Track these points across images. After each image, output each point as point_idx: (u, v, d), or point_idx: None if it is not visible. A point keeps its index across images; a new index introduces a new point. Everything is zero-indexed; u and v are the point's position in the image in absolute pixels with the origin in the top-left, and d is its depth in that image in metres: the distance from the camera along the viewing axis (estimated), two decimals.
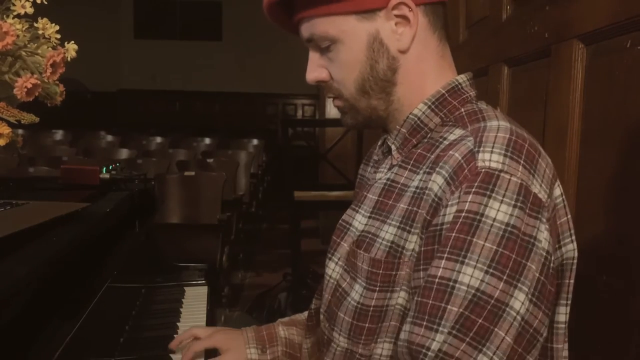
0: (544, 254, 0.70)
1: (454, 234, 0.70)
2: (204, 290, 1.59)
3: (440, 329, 0.68)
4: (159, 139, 6.80)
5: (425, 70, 0.84)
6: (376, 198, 0.85)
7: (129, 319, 1.32)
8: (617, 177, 1.08)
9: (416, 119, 0.84)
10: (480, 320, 0.67)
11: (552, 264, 0.71)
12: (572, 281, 0.80)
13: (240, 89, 9.73)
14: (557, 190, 0.76)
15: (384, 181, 0.85)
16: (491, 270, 0.67)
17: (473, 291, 0.67)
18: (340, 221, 0.91)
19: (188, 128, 8.35)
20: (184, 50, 9.90)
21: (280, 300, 3.29)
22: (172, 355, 1.17)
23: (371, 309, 0.79)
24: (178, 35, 10.08)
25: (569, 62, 1.23)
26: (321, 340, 0.91)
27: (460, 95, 0.84)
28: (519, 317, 0.67)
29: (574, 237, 0.79)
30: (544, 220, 0.71)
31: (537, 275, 0.69)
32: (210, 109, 9.90)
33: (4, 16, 0.98)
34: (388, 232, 0.80)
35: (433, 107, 0.84)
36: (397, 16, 0.81)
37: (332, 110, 5.53)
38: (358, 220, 0.87)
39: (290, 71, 9.51)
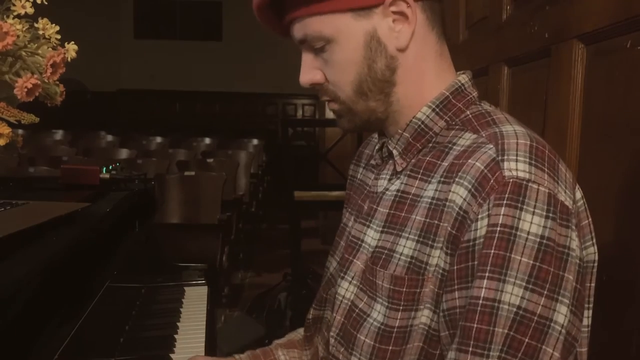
0: (577, 261, 0.69)
1: (492, 251, 0.67)
2: (204, 290, 1.59)
3: (489, 353, 0.65)
4: (159, 139, 6.81)
5: (424, 69, 0.81)
6: (387, 211, 0.81)
7: (129, 319, 1.32)
8: (617, 177, 1.08)
9: (420, 122, 0.81)
10: (526, 340, 0.65)
11: (582, 270, 0.70)
12: (593, 284, 0.79)
13: (240, 89, 9.73)
14: (578, 194, 0.76)
15: (394, 192, 0.82)
16: (531, 286, 0.66)
17: (515, 309, 0.65)
18: (350, 237, 0.88)
19: (188, 128, 8.35)
20: (184, 50, 9.90)
21: (280, 300, 3.29)
22: (172, 356, 1.17)
23: (395, 330, 0.75)
24: (178, 35, 10.08)
25: (569, 62, 1.23)
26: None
27: (464, 97, 0.82)
28: (563, 331, 0.66)
29: (594, 240, 0.78)
30: (573, 227, 0.70)
31: (574, 284, 0.68)
32: (210, 109, 9.90)
33: (4, 16, 0.99)
34: (406, 247, 0.77)
35: (437, 110, 0.81)
36: (394, 13, 0.77)
37: None
38: (370, 235, 0.83)
39: (290, 71, 9.52)
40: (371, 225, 0.84)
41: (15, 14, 0.99)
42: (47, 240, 0.98)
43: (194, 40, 10.04)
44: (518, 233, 0.67)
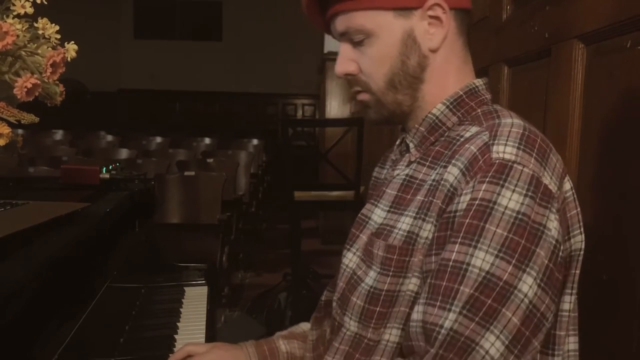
0: (553, 242, 0.73)
1: (467, 220, 0.73)
2: (204, 290, 1.59)
3: (453, 308, 0.71)
4: (159, 139, 6.79)
5: (449, 72, 0.89)
6: (395, 193, 0.89)
7: (129, 319, 1.32)
8: (617, 177, 1.08)
9: (434, 118, 0.88)
10: (489, 301, 0.70)
11: (561, 253, 0.75)
12: (578, 271, 0.83)
13: (240, 89, 9.73)
14: (567, 185, 0.80)
15: (403, 177, 0.89)
16: (501, 255, 0.71)
17: (484, 274, 0.71)
18: (359, 214, 0.95)
19: (188, 128, 8.35)
20: (183, 50, 9.90)
21: (280, 300, 3.29)
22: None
23: (383, 292, 0.82)
24: (178, 35, 10.09)
25: (569, 62, 1.23)
26: (332, 327, 0.93)
27: (477, 97, 0.89)
28: (526, 300, 0.71)
29: (582, 229, 0.82)
30: (554, 210, 0.74)
31: (546, 262, 0.72)
32: (210, 109, 9.90)
33: (4, 16, 0.98)
34: (405, 223, 0.84)
35: (451, 107, 0.88)
36: (430, 17, 0.85)
37: (332, 111, 5.51)
38: (377, 214, 0.90)
39: (290, 71, 9.54)
40: (379, 205, 0.91)
41: (15, 13, 0.99)
42: (47, 240, 0.98)
43: (194, 40, 10.05)
44: (496, 207, 0.73)
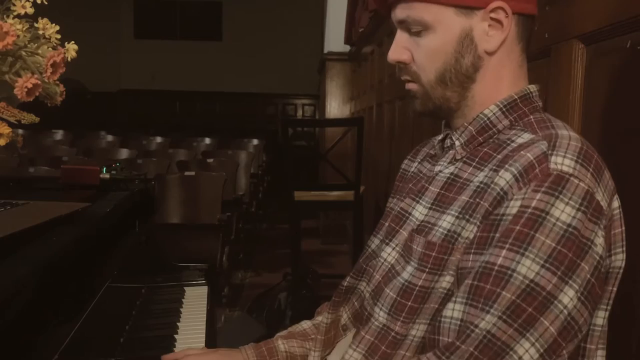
0: (598, 257, 0.75)
1: (517, 227, 0.74)
2: (204, 290, 1.59)
3: (492, 311, 0.72)
4: (159, 139, 6.78)
5: (503, 75, 0.89)
6: (437, 190, 0.89)
7: (129, 319, 1.32)
8: (616, 178, 1.08)
9: (486, 119, 0.88)
10: (529, 309, 0.72)
11: (602, 269, 0.76)
12: (615, 289, 0.83)
13: (240, 89, 9.73)
14: (616, 203, 0.81)
15: (447, 175, 0.89)
16: (547, 265, 0.72)
17: (527, 282, 0.72)
18: (399, 209, 0.96)
19: (188, 128, 8.35)
20: (184, 50, 9.91)
21: (280, 300, 3.29)
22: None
23: (417, 288, 0.83)
24: (178, 35, 10.09)
25: (569, 62, 1.23)
26: (361, 317, 0.94)
27: (530, 103, 0.88)
28: (565, 311, 0.72)
29: (624, 248, 0.82)
30: (602, 226, 0.76)
31: (589, 276, 0.74)
32: (210, 109, 9.90)
33: (5, 16, 0.99)
34: (446, 221, 0.84)
35: (504, 110, 0.88)
36: (492, 19, 0.85)
37: (332, 111, 5.51)
38: (418, 210, 0.91)
39: (290, 71, 9.55)
40: (420, 201, 0.91)
41: (15, 14, 0.99)
42: (47, 240, 0.98)
43: (194, 40, 10.05)
44: (548, 217, 0.73)
